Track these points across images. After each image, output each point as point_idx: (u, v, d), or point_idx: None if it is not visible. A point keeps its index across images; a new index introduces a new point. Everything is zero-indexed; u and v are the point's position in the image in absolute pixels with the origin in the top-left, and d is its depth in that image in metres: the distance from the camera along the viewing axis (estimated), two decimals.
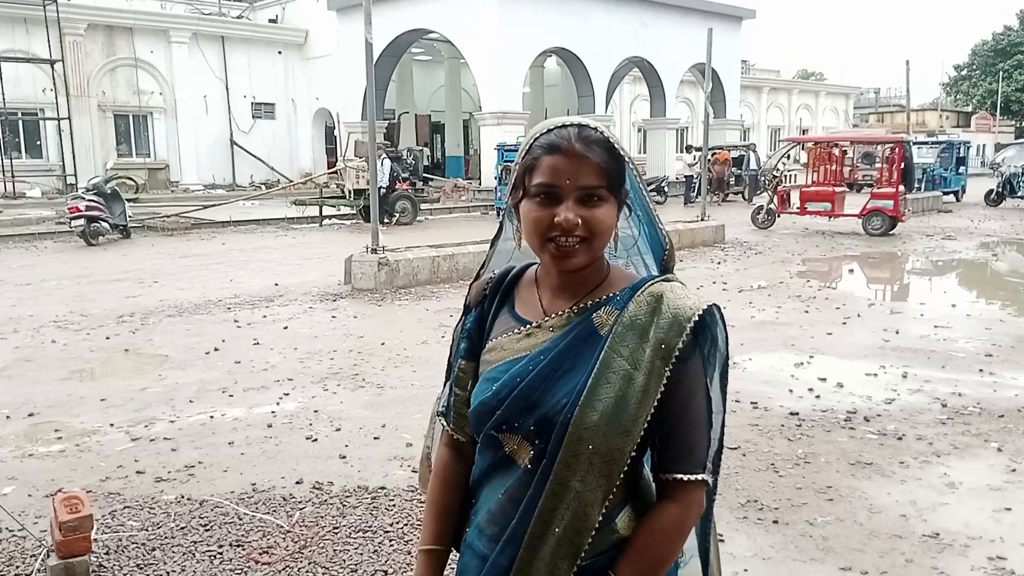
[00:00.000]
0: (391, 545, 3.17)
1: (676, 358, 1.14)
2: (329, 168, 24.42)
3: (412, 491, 3.69)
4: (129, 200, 15.59)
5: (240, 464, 4.05)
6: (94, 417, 4.78)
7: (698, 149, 19.84)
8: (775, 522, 3.40)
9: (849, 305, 8.21)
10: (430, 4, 22.69)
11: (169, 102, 25.96)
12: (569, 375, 1.17)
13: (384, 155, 15.75)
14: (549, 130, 1.20)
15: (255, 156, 27.59)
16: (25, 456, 4.19)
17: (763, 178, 18.41)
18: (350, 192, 16.44)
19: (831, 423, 4.65)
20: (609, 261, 1.27)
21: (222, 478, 3.87)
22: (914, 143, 21.74)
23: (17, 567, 3.00)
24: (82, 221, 12.87)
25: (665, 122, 28.05)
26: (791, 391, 5.27)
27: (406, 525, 3.34)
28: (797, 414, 4.79)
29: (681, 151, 29.48)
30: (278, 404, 5.00)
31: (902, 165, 15.48)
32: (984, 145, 45.50)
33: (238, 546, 3.16)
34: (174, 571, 2.97)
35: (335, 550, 3.13)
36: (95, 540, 3.04)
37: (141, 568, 3.00)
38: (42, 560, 2.98)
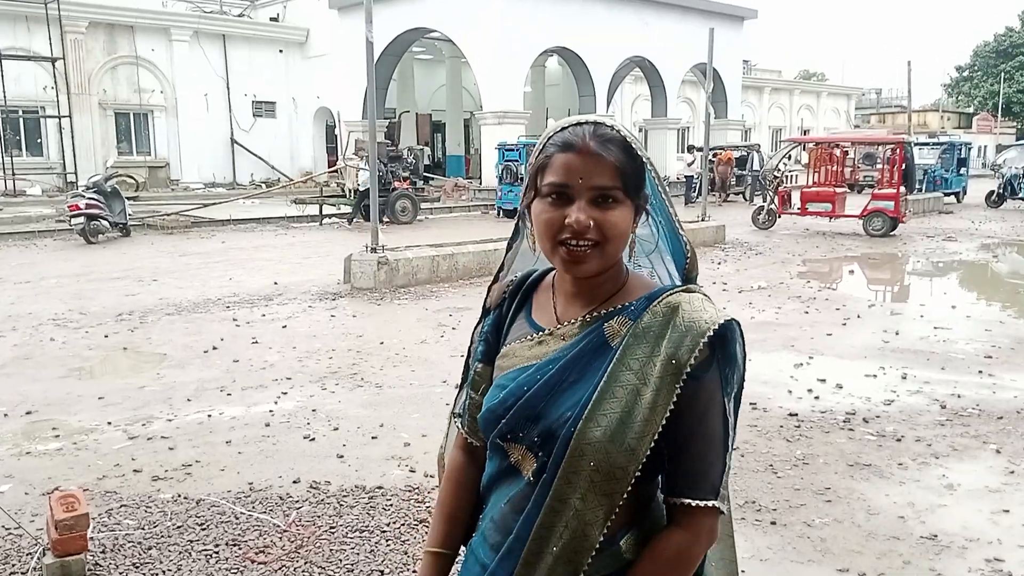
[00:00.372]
0: (388, 545, 3.17)
1: (688, 375, 1.07)
2: (329, 167, 24.42)
3: (409, 491, 3.68)
4: (129, 198, 15.60)
5: (237, 463, 4.04)
6: (92, 415, 4.77)
7: (699, 149, 19.82)
8: (773, 523, 3.39)
9: (849, 306, 8.20)
10: (431, 3, 22.69)
11: (170, 100, 25.99)
12: (575, 387, 1.12)
13: (366, 157, 15.81)
14: (564, 128, 1.15)
15: (256, 155, 27.61)
16: (22, 454, 4.18)
17: (763, 179, 18.38)
18: (350, 191, 16.44)
19: (830, 424, 4.64)
20: (630, 268, 1.22)
21: (219, 477, 3.87)
22: (915, 144, 21.72)
23: (13, 565, 2.99)
24: (82, 219, 12.87)
25: (666, 122, 28.06)
26: (790, 392, 5.26)
27: (403, 525, 3.34)
28: (796, 415, 4.78)
29: (682, 151, 29.51)
30: (276, 403, 5.00)
31: (903, 166, 15.46)
32: (985, 146, 45.50)
33: (234, 545, 3.16)
34: (170, 570, 2.97)
35: (332, 550, 3.13)
36: (91, 538, 3.03)
37: (137, 567, 2.99)
38: (38, 558, 2.97)
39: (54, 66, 21.99)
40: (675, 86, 27.87)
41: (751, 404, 4.94)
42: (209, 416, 4.76)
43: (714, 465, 1.11)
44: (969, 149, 25.93)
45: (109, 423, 4.63)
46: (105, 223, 13.21)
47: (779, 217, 16.03)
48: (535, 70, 27.20)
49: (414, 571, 2.98)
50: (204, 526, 3.31)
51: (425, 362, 5.96)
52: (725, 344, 1.10)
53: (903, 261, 12.20)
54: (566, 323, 1.19)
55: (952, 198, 22.64)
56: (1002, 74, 52.34)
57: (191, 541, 3.19)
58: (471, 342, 1.36)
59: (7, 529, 3.25)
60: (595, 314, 1.17)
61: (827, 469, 3.98)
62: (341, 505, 3.53)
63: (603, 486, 1.09)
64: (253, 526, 3.32)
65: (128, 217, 14.13)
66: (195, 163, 26.30)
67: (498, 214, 18.23)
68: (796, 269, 10.91)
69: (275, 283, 9.26)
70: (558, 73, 29.81)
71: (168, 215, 16.19)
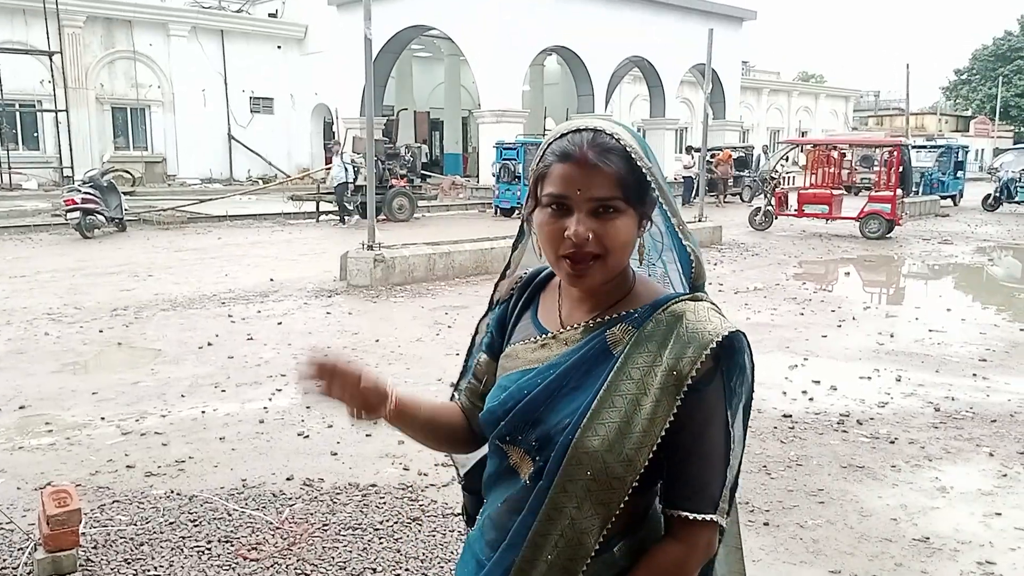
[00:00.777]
0: (381, 543, 3.16)
1: (689, 387, 1.05)
2: (327, 164, 24.36)
3: (403, 489, 3.68)
4: (125, 193, 15.53)
5: (231, 460, 4.03)
6: (85, 410, 4.76)
7: (696, 150, 19.82)
8: (766, 524, 3.40)
9: (844, 308, 8.21)
10: (430, 0, 22.66)
11: (167, 95, 25.91)
12: (575, 393, 1.11)
13: (343, 154, 15.85)
14: (563, 135, 1.12)
15: (253, 151, 27.55)
16: (15, 449, 4.17)
17: (759, 180, 18.41)
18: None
19: (824, 426, 4.65)
20: (639, 272, 1.20)
21: (212, 473, 3.86)
22: (913, 147, 21.75)
23: (4, 560, 2.98)
24: (78, 214, 12.82)
25: (664, 122, 28.05)
26: (784, 393, 5.26)
27: (396, 523, 3.33)
28: (790, 416, 4.79)
29: (680, 151, 29.51)
30: (270, 400, 4.99)
31: (900, 169, 15.48)
32: (982, 150, 45.62)
33: (227, 542, 3.15)
34: (162, 566, 2.96)
35: (324, 547, 3.12)
36: (83, 534, 3.03)
37: (129, 563, 2.98)
38: (29, 553, 2.96)
39: (51, 60, 21.90)
40: (674, 86, 27.87)
41: None
42: (203, 412, 4.75)
43: (714, 479, 1.09)
44: (966, 152, 25.99)
45: (102, 418, 4.62)
46: (101, 218, 13.17)
47: (776, 218, 16.05)
48: (534, 69, 27.19)
49: (407, 569, 2.98)
50: (197, 522, 3.31)
51: (420, 360, 5.95)
52: (731, 355, 1.08)
53: (899, 264, 12.22)
54: (570, 327, 1.18)
55: (949, 201, 22.68)
56: (1000, 78, 52.45)
57: (183, 537, 3.18)
58: (475, 332, 1.36)
59: None
60: (599, 320, 1.16)
61: (820, 471, 3.99)
62: (334, 503, 3.52)
63: (600, 495, 1.08)
64: (246, 523, 3.32)
65: (124, 212, 14.07)
66: (192, 158, 26.22)
67: (495, 213, 18.22)
68: (792, 271, 10.93)
69: (271, 280, 9.25)
70: (557, 72, 29.80)
71: (164, 210, 16.14)
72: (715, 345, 1.06)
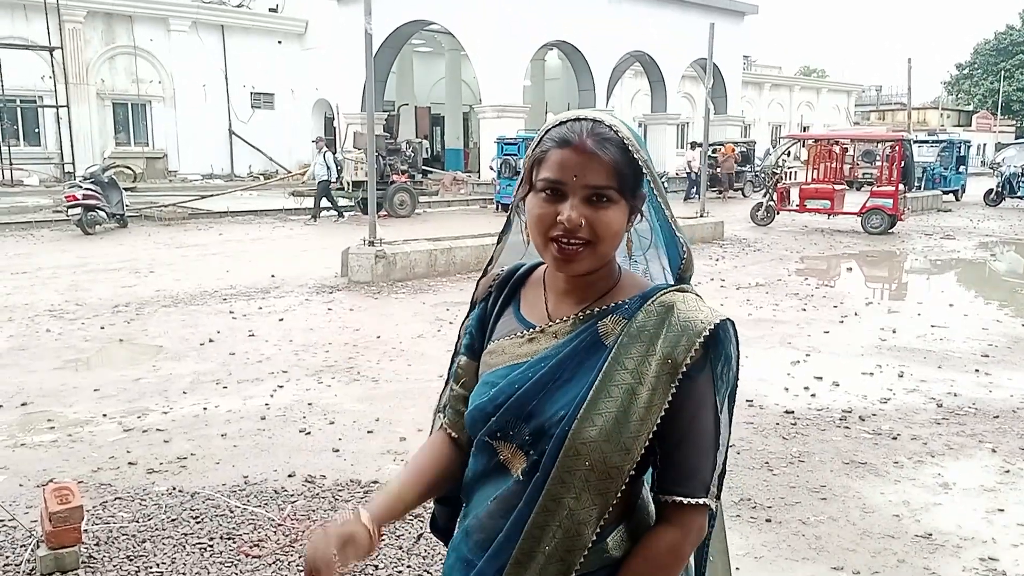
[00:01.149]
0: (382, 540, 3.16)
1: (683, 374, 1.08)
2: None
3: None
4: (127, 189, 15.54)
5: (232, 456, 4.03)
6: (87, 407, 4.76)
7: (699, 145, 19.80)
8: (768, 520, 3.39)
9: (847, 304, 8.20)
10: None
11: (168, 91, 25.88)
12: (568, 385, 1.12)
13: (326, 149, 15.82)
14: (562, 122, 1.13)
15: (254, 146, 27.51)
16: (17, 446, 4.17)
17: (762, 175, 18.38)
18: (348, 184, 16.40)
19: (826, 422, 4.65)
20: (622, 266, 1.22)
21: (214, 470, 3.86)
22: (914, 142, 21.71)
23: (7, 557, 2.99)
24: (79, 210, 12.82)
25: (666, 117, 28.00)
26: (787, 389, 5.26)
27: (398, 520, 3.33)
28: (792, 412, 4.78)
29: (682, 146, 29.47)
30: (272, 396, 4.99)
31: (902, 164, 15.46)
32: (984, 144, 45.49)
33: (228, 539, 3.15)
34: (164, 563, 2.96)
35: None
36: (85, 531, 3.03)
37: (131, 560, 2.98)
38: (32, 550, 2.96)
39: (52, 55, 21.87)
40: (675, 81, 27.80)
41: (747, 401, 4.94)
42: (205, 409, 4.75)
43: (705, 464, 1.12)
44: (968, 147, 25.91)
45: (104, 415, 4.62)
46: (102, 214, 13.17)
47: (778, 214, 16.03)
48: (535, 64, 27.13)
49: (408, 566, 2.97)
50: (198, 519, 3.31)
51: (421, 356, 5.95)
52: (719, 343, 1.11)
53: (901, 259, 12.21)
54: (558, 320, 1.18)
55: (951, 196, 22.65)
56: (1002, 72, 52.32)
57: (185, 534, 3.18)
58: (457, 338, 1.35)
59: (1, 521, 3.24)
60: (588, 312, 1.17)
61: (823, 467, 3.98)
62: (336, 499, 3.52)
63: (598, 485, 1.09)
64: (248, 520, 3.32)
65: (125, 208, 14.08)
66: (193, 154, 26.19)
67: (496, 208, 18.21)
68: (794, 266, 10.91)
69: (272, 276, 9.25)
70: (558, 67, 29.72)
71: (165, 206, 16.13)
72: (707, 333, 1.09)
